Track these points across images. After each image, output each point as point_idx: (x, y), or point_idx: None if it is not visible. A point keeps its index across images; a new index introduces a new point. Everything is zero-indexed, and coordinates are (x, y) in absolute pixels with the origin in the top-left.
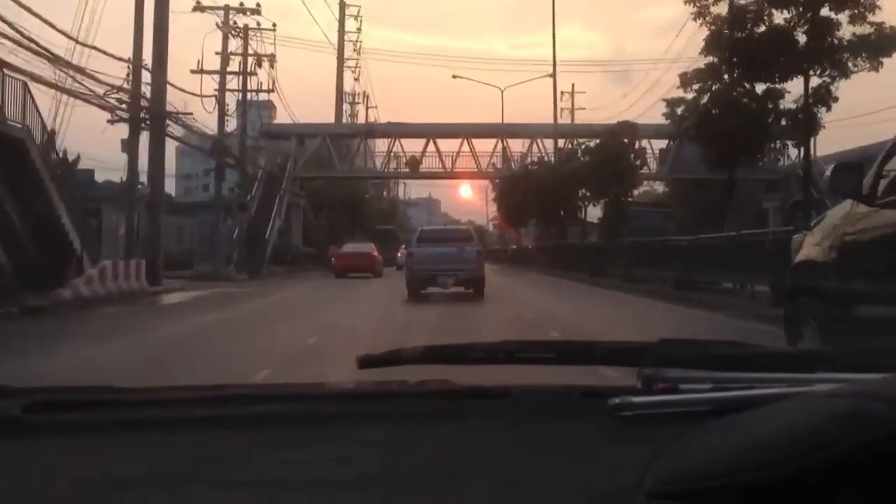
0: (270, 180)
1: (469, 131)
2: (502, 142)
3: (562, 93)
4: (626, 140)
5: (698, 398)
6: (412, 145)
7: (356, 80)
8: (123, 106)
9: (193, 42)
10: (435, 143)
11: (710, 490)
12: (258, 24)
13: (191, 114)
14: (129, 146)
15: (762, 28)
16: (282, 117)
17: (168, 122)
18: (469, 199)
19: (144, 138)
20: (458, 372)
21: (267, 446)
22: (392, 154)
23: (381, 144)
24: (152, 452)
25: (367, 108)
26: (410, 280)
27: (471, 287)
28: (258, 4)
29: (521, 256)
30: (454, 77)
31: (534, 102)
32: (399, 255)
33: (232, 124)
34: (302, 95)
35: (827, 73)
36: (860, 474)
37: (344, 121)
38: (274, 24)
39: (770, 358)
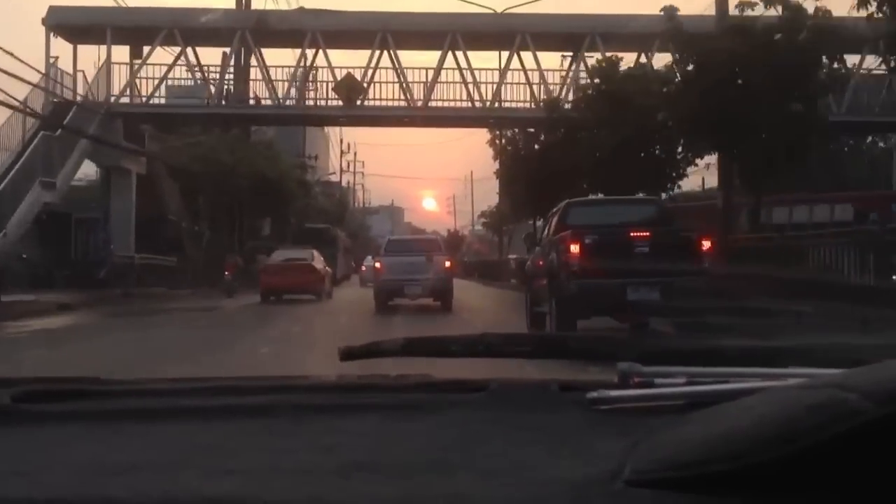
0: (59, 114)
1: (461, 27)
2: (519, 55)
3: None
4: None
5: (673, 392)
6: (348, 59)
7: None
8: None
9: None
10: (392, 54)
11: (686, 478)
12: None
13: None
14: None
15: None
16: None
17: None
18: (434, 210)
19: None
20: (437, 365)
21: (254, 435)
22: (308, 70)
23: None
24: (143, 441)
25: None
26: (378, 291)
27: (439, 298)
28: None
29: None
30: None
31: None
32: (364, 268)
33: None
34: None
35: None
36: (832, 464)
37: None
38: None
39: (743, 353)
